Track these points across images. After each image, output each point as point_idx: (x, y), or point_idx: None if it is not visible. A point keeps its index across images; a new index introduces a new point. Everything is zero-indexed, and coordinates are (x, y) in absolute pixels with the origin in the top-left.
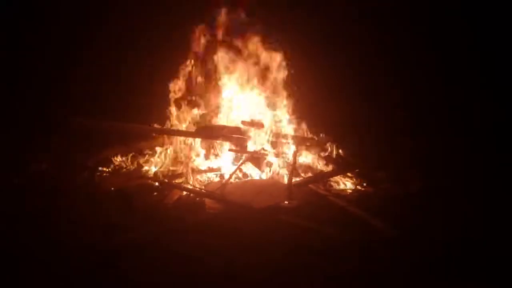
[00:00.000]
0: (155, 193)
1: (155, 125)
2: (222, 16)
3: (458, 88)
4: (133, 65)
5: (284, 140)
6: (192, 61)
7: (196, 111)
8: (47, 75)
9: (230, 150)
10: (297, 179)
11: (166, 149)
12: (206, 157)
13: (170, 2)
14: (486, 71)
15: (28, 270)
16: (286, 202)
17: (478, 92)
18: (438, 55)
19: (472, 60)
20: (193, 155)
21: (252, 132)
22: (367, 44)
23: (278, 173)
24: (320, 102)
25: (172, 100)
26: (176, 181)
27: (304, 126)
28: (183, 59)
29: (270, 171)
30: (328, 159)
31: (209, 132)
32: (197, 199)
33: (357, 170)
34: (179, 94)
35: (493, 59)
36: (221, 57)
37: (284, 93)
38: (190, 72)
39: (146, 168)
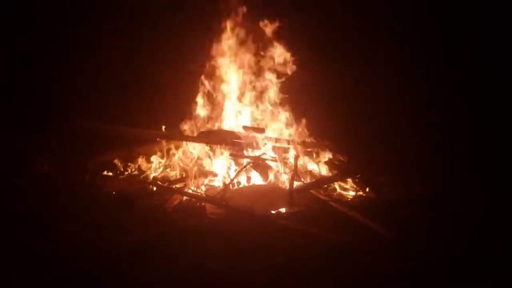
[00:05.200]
0: (155, 198)
1: (158, 130)
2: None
3: (463, 91)
4: (137, 68)
5: (285, 145)
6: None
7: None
8: (50, 77)
9: (231, 155)
10: (298, 183)
11: (168, 153)
12: (208, 162)
13: (177, 5)
14: (491, 73)
15: (29, 271)
16: (287, 207)
17: (483, 95)
18: (444, 57)
19: (481, 63)
20: (194, 159)
21: (254, 137)
22: (370, 48)
23: (279, 178)
24: (321, 107)
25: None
26: (177, 185)
27: (305, 131)
28: (189, 63)
29: (271, 176)
30: (329, 164)
31: (211, 137)
32: (198, 204)
33: (358, 175)
34: (183, 98)
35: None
36: (224, 61)
37: (286, 98)
38: (195, 76)
39: (147, 172)
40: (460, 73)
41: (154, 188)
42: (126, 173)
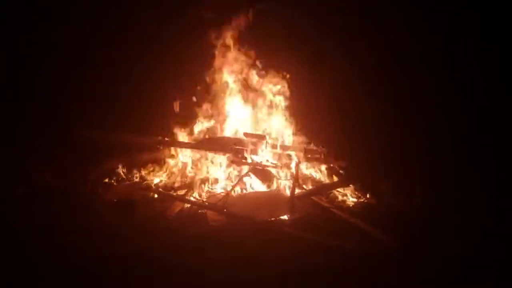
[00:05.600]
0: (156, 205)
1: (159, 137)
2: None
3: (463, 91)
4: (139, 76)
5: (286, 152)
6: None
7: (200, 123)
8: (50, 78)
9: (232, 161)
10: (300, 190)
11: (169, 161)
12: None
13: (180, 11)
14: (491, 73)
15: (29, 279)
16: (288, 214)
17: (483, 95)
18: (444, 57)
19: (481, 63)
20: (196, 166)
21: (255, 144)
22: (370, 51)
23: (280, 185)
24: (322, 113)
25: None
26: (178, 193)
27: (306, 137)
28: (190, 71)
29: (272, 183)
30: (330, 171)
31: (212, 144)
32: (199, 211)
33: (359, 182)
34: (184, 106)
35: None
36: (225, 68)
37: (286, 105)
38: (196, 84)
39: (149, 180)
40: (460, 73)
41: (156, 196)
42: (127, 181)
